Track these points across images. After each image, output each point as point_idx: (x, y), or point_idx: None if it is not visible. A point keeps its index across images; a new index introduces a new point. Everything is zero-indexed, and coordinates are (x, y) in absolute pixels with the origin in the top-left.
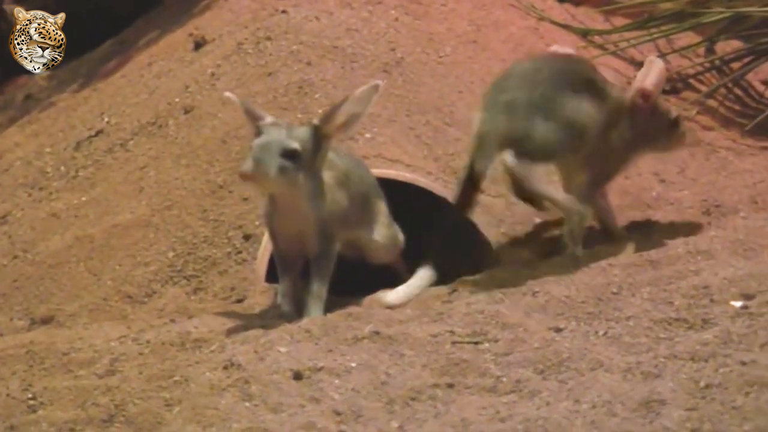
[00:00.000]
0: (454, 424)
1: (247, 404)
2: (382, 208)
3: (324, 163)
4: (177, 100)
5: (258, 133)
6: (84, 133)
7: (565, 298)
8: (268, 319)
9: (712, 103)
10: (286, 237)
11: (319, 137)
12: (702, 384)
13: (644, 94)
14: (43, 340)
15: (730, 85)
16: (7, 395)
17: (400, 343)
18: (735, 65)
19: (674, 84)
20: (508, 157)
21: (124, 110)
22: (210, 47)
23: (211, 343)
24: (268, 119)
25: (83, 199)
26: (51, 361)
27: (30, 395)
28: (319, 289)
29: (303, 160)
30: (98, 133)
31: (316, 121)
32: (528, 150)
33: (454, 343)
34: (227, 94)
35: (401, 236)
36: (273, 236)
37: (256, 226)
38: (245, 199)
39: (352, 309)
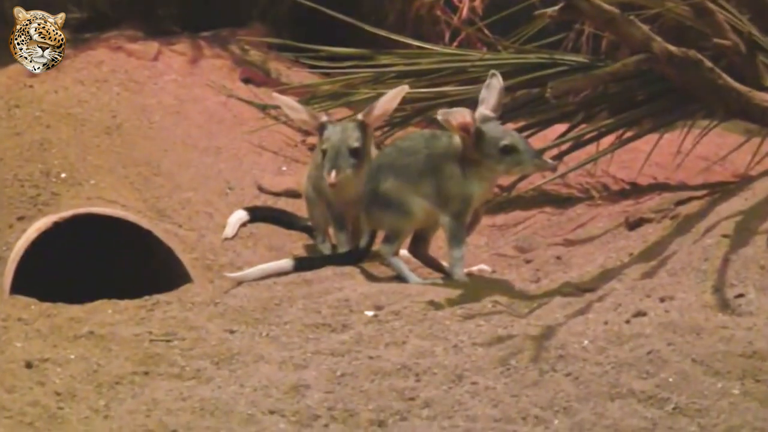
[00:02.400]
0: (147, 403)
1: None
2: None
3: (370, 147)
4: None
5: (322, 130)
6: None
7: (239, 308)
8: None
9: None
10: (343, 203)
11: (364, 128)
12: (339, 373)
13: (464, 128)
14: None
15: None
16: None
17: (109, 341)
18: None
19: None
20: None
21: None
22: None
23: None
24: (324, 117)
25: None
26: None
27: None
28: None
29: (361, 152)
30: None
31: (360, 117)
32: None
33: (151, 341)
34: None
35: None
36: (329, 202)
37: (4, 250)
38: None
39: (74, 313)
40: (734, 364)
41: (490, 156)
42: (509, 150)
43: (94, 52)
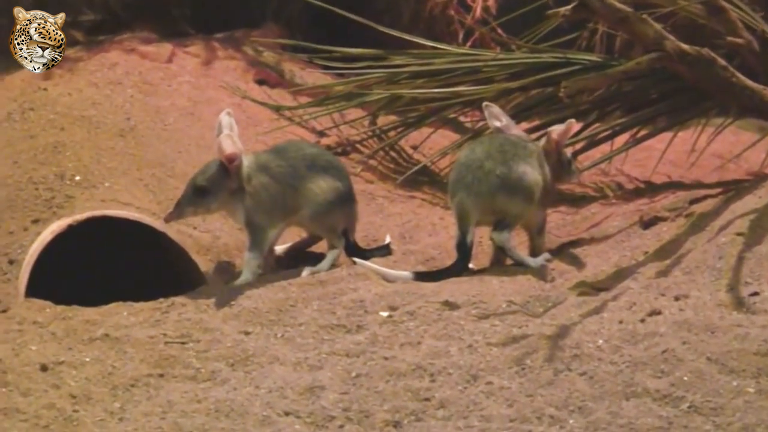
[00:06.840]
0: (162, 405)
1: (3, 390)
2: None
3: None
4: None
5: None
6: None
7: (253, 309)
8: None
9: (373, 162)
10: None
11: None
12: (353, 374)
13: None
14: None
15: (387, 149)
16: None
17: (124, 343)
18: (391, 134)
19: (345, 147)
20: (494, 234)
21: None
22: None
23: None
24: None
25: None
26: None
27: None
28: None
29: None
30: None
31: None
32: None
33: (166, 343)
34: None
35: None
36: None
37: (19, 253)
38: (11, 233)
39: (89, 316)
40: (749, 362)
41: (562, 166)
42: (570, 163)
43: (108, 54)
